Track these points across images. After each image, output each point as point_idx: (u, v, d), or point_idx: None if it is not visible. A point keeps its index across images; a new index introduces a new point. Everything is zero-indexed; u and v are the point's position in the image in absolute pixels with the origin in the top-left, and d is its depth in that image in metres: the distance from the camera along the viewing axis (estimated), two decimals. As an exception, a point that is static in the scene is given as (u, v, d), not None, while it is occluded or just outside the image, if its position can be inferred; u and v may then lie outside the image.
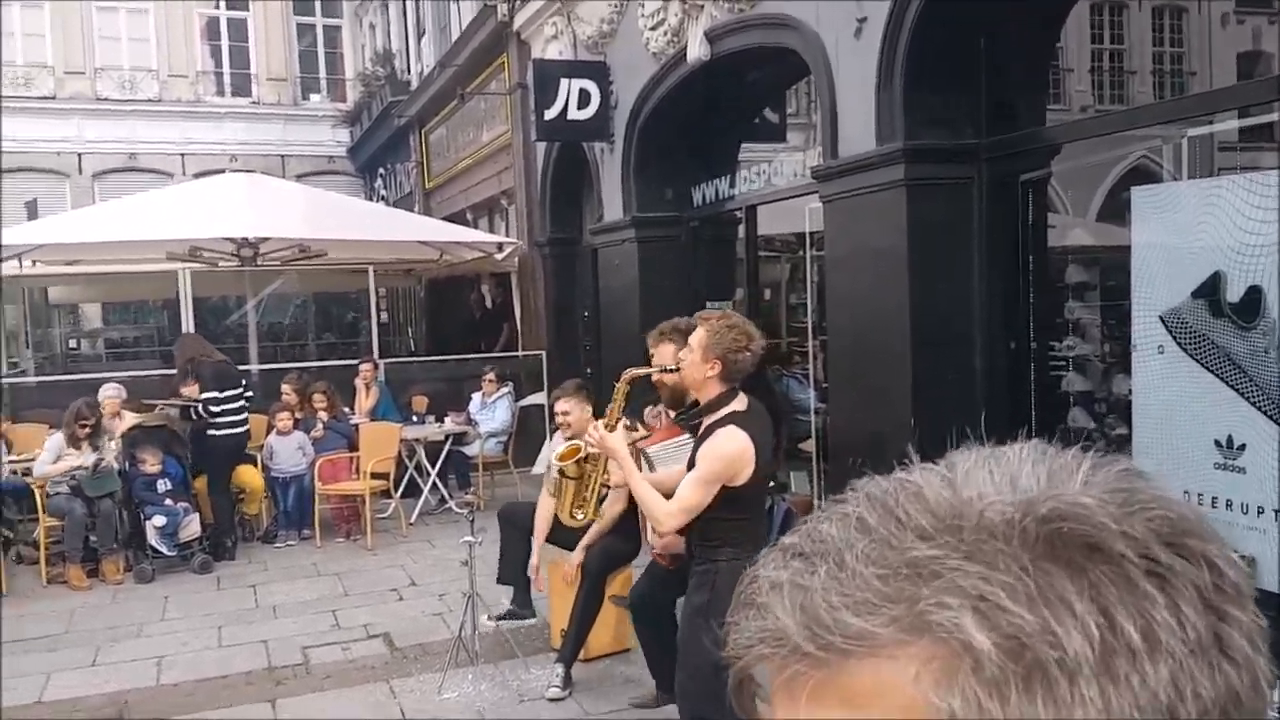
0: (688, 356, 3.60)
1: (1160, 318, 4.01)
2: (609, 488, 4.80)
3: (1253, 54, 5.26)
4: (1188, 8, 6.98)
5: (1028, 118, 5.25)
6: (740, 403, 3.54)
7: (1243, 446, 3.70)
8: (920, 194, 5.12)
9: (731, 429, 3.46)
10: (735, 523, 3.56)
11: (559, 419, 5.50)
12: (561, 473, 4.71)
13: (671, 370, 3.91)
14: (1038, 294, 5.12)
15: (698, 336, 3.54)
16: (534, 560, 5.59)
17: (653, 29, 7.84)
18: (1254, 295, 3.67)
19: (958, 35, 5.06)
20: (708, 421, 3.55)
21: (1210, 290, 3.83)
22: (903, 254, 5.15)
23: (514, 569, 5.83)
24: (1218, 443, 3.78)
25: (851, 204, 5.56)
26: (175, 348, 9.13)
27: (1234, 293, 3.74)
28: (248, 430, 8.43)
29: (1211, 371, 3.84)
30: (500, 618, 5.74)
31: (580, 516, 4.63)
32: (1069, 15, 5.44)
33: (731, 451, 3.44)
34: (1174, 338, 3.97)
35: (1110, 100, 9.82)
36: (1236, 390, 3.75)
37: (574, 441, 4.70)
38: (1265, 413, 3.65)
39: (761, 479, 3.59)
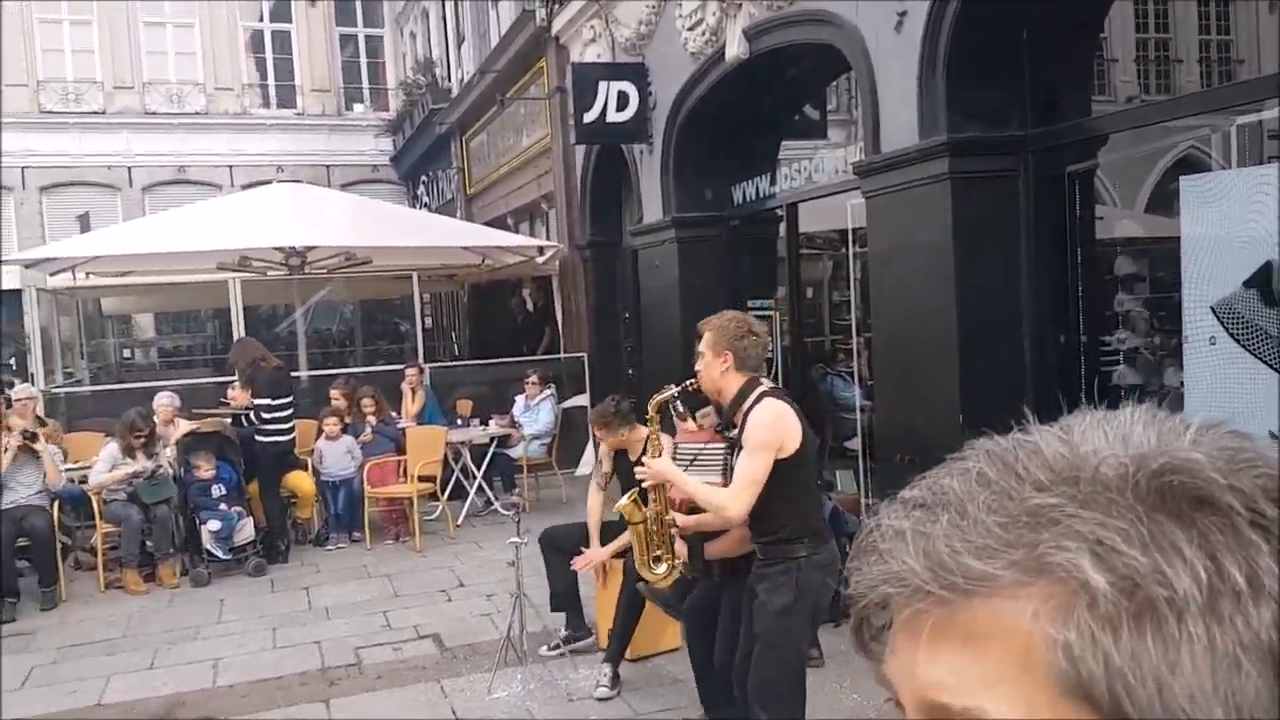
0: (700, 363, 3.65)
1: (1211, 308, 3.95)
2: (676, 528, 4.18)
3: (1303, 38, 5.16)
4: (1235, -7, 6.86)
5: (1073, 109, 5.18)
6: (766, 386, 3.63)
7: (1299, 437, 3.64)
8: (965, 187, 5.08)
9: (766, 401, 3.55)
10: (797, 502, 3.58)
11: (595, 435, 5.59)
12: (627, 521, 4.37)
13: (692, 384, 3.87)
14: (1086, 287, 5.05)
15: (704, 340, 3.65)
16: (593, 556, 5.49)
17: (690, 29, 7.84)
18: (1308, 283, 3.61)
19: (1000, 27, 5.01)
20: (741, 411, 3.60)
21: (1262, 280, 3.77)
22: (948, 248, 5.11)
23: (563, 595, 5.78)
24: (1272, 434, 3.71)
25: (895, 199, 5.52)
26: (233, 351, 9.15)
27: (1287, 282, 3.68)
28: (294, 437, 8.56)
29: (1265, 362, 3.78)
30: (559, 645, 5.59)
31: (662, 569, 4.13)
32: (1113, 3, 5.37)
33: (771, 418, 3.51)
34: (1226, 328, 3.91)
35: (1156, 90, 9.66)
36: (1292, 380, 3.69)
37: (630, 492, 4.51)
38: (1322, 403, 3.58)
39: (808, 450, 3.63)
